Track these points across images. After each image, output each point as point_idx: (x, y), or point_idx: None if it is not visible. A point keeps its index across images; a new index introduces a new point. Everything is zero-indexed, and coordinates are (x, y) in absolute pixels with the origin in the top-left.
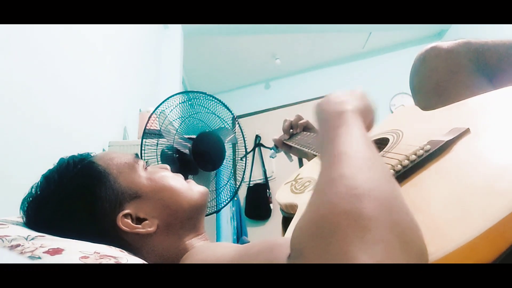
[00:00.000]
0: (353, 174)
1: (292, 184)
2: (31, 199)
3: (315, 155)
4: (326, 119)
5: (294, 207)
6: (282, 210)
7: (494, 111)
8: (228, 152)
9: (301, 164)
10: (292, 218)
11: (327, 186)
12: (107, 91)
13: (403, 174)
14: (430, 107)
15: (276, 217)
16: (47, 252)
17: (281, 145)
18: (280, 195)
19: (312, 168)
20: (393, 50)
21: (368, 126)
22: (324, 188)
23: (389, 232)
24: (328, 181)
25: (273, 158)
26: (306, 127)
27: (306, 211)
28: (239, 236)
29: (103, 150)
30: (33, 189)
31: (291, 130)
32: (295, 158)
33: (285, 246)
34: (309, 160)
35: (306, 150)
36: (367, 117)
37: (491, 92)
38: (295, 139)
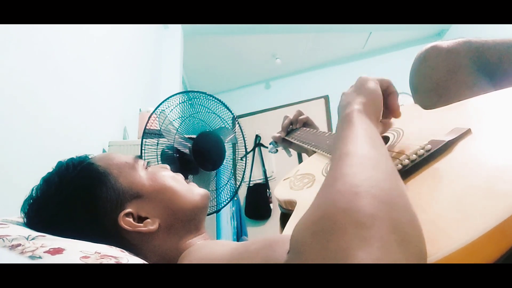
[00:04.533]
0: (354, 173)
1: (291, 180)
2: (31, 201)
3: (315, 151)
4: (338, 122)
5: (292, 203)
6: (280, 206)
7: (496, 112)
8: (228, 152)
9: (300, 160)
10: (291, 214)
11: (329, 185)
12: (107, 91)
13: (404, 174)
14: (430, 107)
15: (276, 217)
16: (48, 252)
17: (280, 141)
18: (278, 192)
19: (311, 164)
20: (393, 50)
21: (378, 115)
22: (326, 188)
23: (388, 230)
24: (331, 181)
25: (272, 152)
26: (306, 123)
27: (308, 210)
28: (239, 236)
29: (103, 150)
30: (34, 192)
31: (291, 126)
32: (294, 154)
33: (284, 243)
34: (309, 155)
35: (305, 146)
36: (376, 107)
37: (493, 93)
38: (294, 135)
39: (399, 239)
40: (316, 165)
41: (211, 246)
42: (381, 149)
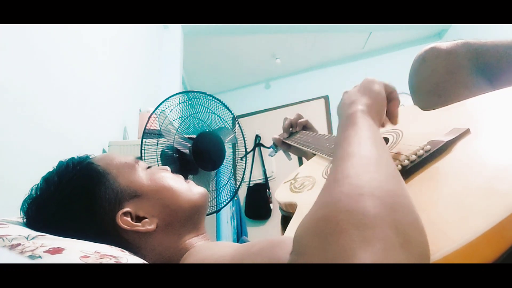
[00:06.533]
0: (357, 174)
1: (292, 183)
2: (31, 200)
3: (314, 154)
4: (340, 121)
5: (293, 206)
6: (281, 209)
7: (495, 112)
8: (228, 152)
9: (301, 163)
10: (291, 217)
11: (332, 186)
12: (107, 91)
13: (403, 174)
14: (429, 107)
15: (276, 217)
16: (48, 251)
17: (280, 144)
18: (279, 194)
19: (311, 167)
20: (393, 50)
21: (381, 118)
22: (329, 188)
23: (390, 231)
24: (334, 181)
25: (271, 156)
26: (306, 126)
27: (310, 210)
28: (239, 236)
29: (103, 150)
30: (33, 191)
31: (291, 129)
32: (294, 157)
33: (286, 244)
34: (308, 159)
35: (305, 149)
36: (379, 110)
37: (492, 93)
38: (294, 138)
39: (402, 240)
40: (316, 167)
41: (212, 248)
42: (384, 151)
